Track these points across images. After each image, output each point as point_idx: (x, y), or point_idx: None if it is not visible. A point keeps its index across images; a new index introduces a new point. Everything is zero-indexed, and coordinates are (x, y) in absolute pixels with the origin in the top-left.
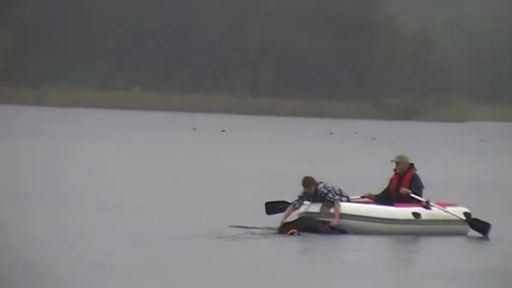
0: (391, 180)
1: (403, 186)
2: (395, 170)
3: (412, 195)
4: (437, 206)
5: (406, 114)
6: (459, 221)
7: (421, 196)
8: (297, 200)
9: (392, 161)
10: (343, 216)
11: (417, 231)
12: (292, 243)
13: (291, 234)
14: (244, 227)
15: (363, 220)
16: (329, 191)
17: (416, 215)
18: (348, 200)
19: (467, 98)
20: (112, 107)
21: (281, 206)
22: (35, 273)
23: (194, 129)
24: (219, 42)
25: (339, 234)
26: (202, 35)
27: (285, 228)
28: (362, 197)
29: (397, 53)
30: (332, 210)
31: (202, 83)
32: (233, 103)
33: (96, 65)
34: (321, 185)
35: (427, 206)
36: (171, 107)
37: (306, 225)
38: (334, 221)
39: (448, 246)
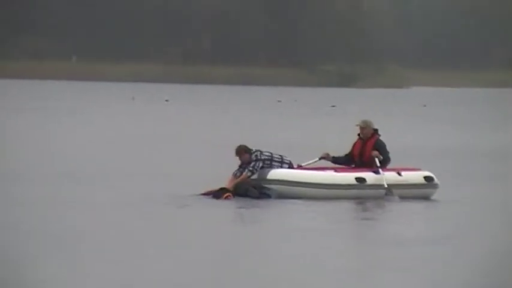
0: (354, 145)
1: (367, 151)
2: (359, 134)
3: (377, 160)
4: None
5: (344, 81)
6: (411, 186)
7: (388, 161)
8: (237, 169)
9: (356, 125)
10: (281, 182)
11: (360, 196)
12: (235, 210)
13: (226, 197)
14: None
15: (300, 186)
16: (257, 159)
17: (360, 179)
18: (290, 167)
19: (404, 64)
20: (48, 77)
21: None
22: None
23: (133, 98)
24: (151, 11)
25: (265, 198)
26: (136, 4)
27: (219, 193)
28: (320, 158)
29: (330, 20)
30: (268, 176)
31: (135, 53)
32: (166, 72)
33: (31, 36)
34: (254, 154)
35: (376, 171)
36: (105, 77)
37: (239, 191)
38: (230, 182)
39: (399, 211)
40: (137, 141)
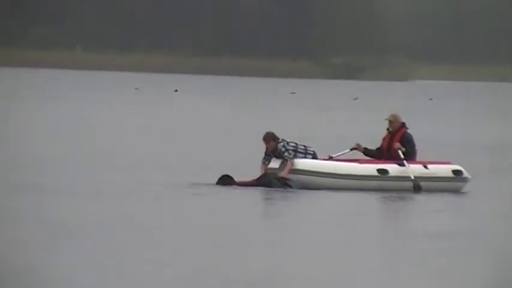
0: (383, 138)
1: (394, 144)
2: (388, 129)
3: (400, 152)
4: (422, 163)
5: (350, 73)
6: (439, 179)
7: (415, 154)
8: (264, 157)
9: (386, 120)
10: (304, 172)
11: (383, 187)
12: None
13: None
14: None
15: (322, 176)
16: (286, 149)
17: (382, 171)
18: (314, 157)
19: (409, 57)
20: (53, 66)
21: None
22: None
23: (136, 88)
24: (160, 1)
25: (288, 189)
26: None
27: (223, 180)
28: (351, 149)
29: (339, 12)
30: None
31: (143, 43)
32: (174, 62)
33: (37, 26)
34: (281, 143)
35: (401, 163)
36: (112, 66)
37: (262, 181)
38: (281, 173)
39: (424, 204)
40: (147, 131)
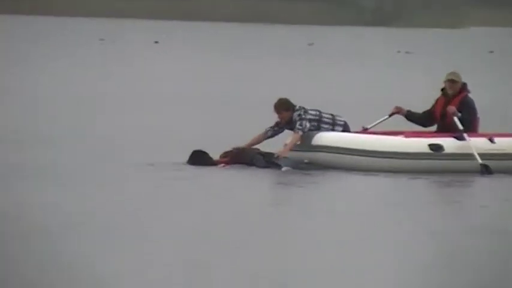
0: (436, 102)
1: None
2: (442, 89)
3: (456, 119)
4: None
5: (379, 19)
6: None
7: (475, 127)
8: (271, 126)
9: (447, 80)
10: (331, 149)
11: (437, 169)
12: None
13: (223, 166)
14: None
15: (355, 154)
16: (301, 119)
17: (436, 147)
18: (345, 129)
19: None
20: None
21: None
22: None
23: (101, 39)
24: None
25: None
26: None
27: (195, 158)
28: (391, 115)
29: None
30: (313, 141)
31: None
32: (164, 8)
33: None
34: (297, 112)
35: (460, 136)
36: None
37: (241, 158)
38: (280, 152)
39: (491, 190)
40: (119, 98)
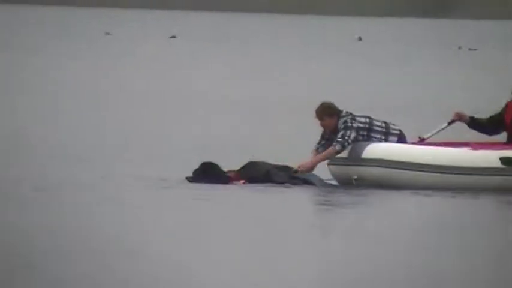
0: (505, 107)
1: None
2: None
3: None
4: None
5: (432, 10)
6: None
7: None
8: (317, 143)
9: None
10: (385, 163)
11: (508, 185)
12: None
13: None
14: None
15: (411, 169)
16: (346, 127)
17: (507, 161)
18: (401, 140)
19: None
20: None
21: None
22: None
23: (107, 33)
24: None
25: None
26: None
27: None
28: (450, 123)
29: None
30: (363, 154)
31: None
32: None
33: None
34: (343, 118)
35: None
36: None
37: (252, 173)
38: (300, 166)
39: None
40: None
